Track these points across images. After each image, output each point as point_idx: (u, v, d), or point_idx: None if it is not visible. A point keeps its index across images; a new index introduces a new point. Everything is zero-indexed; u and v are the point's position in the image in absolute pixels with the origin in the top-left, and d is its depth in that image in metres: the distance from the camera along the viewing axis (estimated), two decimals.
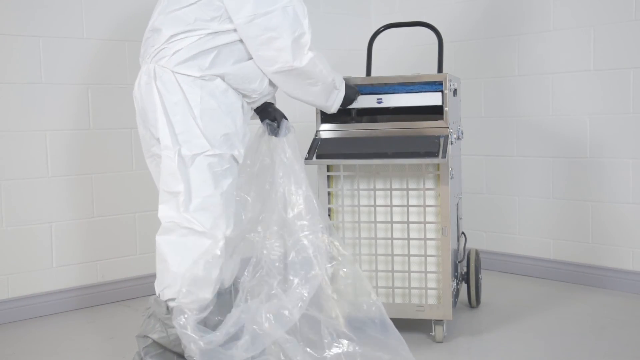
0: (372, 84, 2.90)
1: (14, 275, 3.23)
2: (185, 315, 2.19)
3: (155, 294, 2.35)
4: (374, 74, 3.20)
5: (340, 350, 2.36)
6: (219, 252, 2.26)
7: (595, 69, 3.48)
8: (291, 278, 2.35)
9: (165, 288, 2.29)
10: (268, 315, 2.29)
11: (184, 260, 2.26)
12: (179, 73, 2.26)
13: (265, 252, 2.40)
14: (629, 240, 3.43)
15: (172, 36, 2.28)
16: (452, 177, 2.75)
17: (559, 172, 3.66)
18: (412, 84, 2.78)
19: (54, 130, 3.30)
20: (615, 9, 3.40)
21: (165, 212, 2.29)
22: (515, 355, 2.64)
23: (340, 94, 2.58)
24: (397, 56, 4.27)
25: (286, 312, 2.30)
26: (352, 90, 2.72)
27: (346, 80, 2.66)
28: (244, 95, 2.37)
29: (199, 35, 2.26)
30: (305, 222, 2.40)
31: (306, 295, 2.34)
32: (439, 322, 2.75)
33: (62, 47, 3.30)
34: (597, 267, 3.54)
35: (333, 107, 2.60)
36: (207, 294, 2.27)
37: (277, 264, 2.39)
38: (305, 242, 2.39)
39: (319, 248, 2.40)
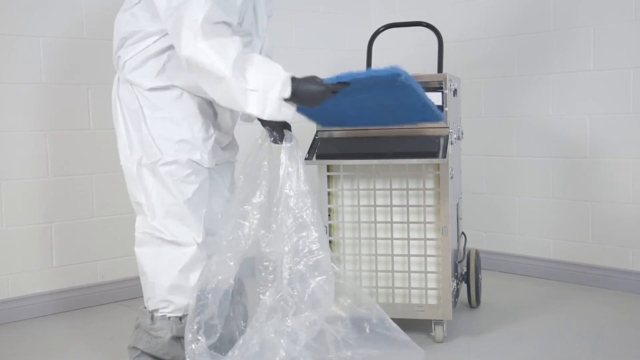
0: None
1: (14, 275, 3.23)
2: (197, 344, 2.19)
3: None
4: None
5: (350, 353, 2.35)
6: (190, 260, 2.25)
7: (595, 69, 3.48)
8: (300, 304, 2.33)
9: (148, 299, 2.31)
10: (279, 332, 2.27)
11: (158, 270, 2.26)
12: (133, 84, 2.25)
13: (285, 274, 2.35)
14: (629, 240, 3.43)
15: (122, 39, 2.27)
16: (452, 177, 2.75)
17: (559, 172, 3.66)
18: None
19: (53, 130, 3.30)
20: (615, 8, 3.40)
21: (137, 222, 2.30)
22: (515, 355, 2.64)
23: (264, 95, 2.05)
24: (397, 56, 4.27)
25: (295, 335, 2.28)
26: (308, 86, 2.09)
27: (307, 78, 2.12)
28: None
29: (146, 41, 2.23)
30: (313, 244, 2.36)
31: (315, 318, 2.32)
32: (439, 322, 2.75)
33: (62, 47, 3.30)
34: (597, 267, 3.54)
35: (265, 112, 2.07)
36: (187, 301, 2.26)
37: (290, 289, 2.36)
38: (312, 263, 2.36)
39: (326, 268, 2.37)
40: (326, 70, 4.10)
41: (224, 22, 2.10)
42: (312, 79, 2.10)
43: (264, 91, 2.05)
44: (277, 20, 4.00)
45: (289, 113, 2.10)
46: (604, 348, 2.68)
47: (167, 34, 2.19)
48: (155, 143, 2.22)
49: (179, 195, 2.23)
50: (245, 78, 2.04)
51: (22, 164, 3.22)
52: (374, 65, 3.22)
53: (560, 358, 2.60)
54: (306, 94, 2.09)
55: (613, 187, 3.46)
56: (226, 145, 2.45)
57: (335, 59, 4.22)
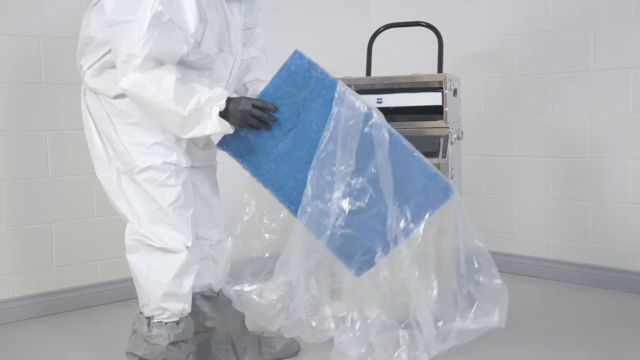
0: (372, 84, 2.91)
1: (14, 275, 3.23)
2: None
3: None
4: (374, 74, 3.20)
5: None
6: (182, 266, 2.24)
7: (595, 69, 3.48)
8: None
9: (143, 305, 2.30)
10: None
11: (151, 279, 2.25)
12: (97, 92, 2.23)
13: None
14: (629, 240, 3.43)
15: (81, 46, 2.26)
16: (452, 177, 2.74)
17: (559, 172, 3.66)
18: (412, 83, 2.79)
19: (54, 130, 3.29)
20: (615, 9, 3.40)
21: (127, 229, 2.29)
22: (516, 356, 2.64)
23: (205, 112, 2.12)
24: (397, 56, 4.27)
25: None
26: (237, 100, 2.20)
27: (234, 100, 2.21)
28: None
29: (101, 49, 2.20)
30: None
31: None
32: None
33: (62, 47, 3.30)
34: (597, 267, 3.54)
35: (207, 129, 2.13)
36: (182, 305, 2.27)
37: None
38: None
39: None
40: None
41: (163, 58, 2.09)
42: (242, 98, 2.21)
43: (204, 109, 2.12)
44: (277, 20, 4.02)
45: (227, 126, 2.16)
46: (604, 348, 2.68)
47: None
48: (127, 150, 2.20)
49: (161, 201, 2.21)
50: (186, 103, 2.10)
51: (22, 164, 3.22)
52: (374, 66, 3.22)
53: (560, 358, 2.60)
54: (236, 106, 2.17)
55: (613, 187, 3.46)
56: (204, 145, 2.41)
57: (335, 59, 4.21)
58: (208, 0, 2.14)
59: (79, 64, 2.29)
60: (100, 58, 2.21)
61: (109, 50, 2.18)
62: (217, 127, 2.13)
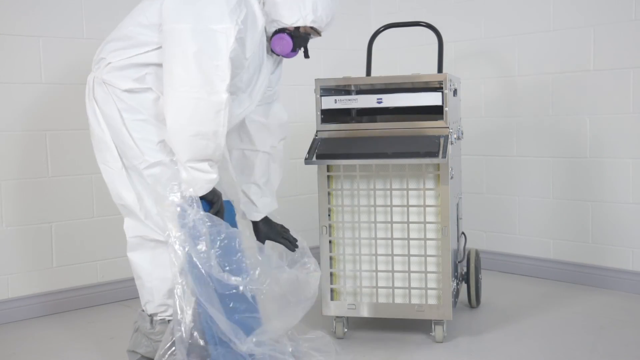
0: (372, 84, 2.91)
1: (15, 275, 3.23)
2: None
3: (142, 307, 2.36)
4: (374, 74, 3.20)
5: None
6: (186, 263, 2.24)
7: (595, 69, 3.49)
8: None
9: (146, 303, 2.30)
10: None
11: (155, 275, 2.25)
12: (109, 84, 2.23)
13: None
14: (629, 240, 3.43)
15: (113, 40, 2.26)
16: (452, 177, 2.75)
17: (559, 172, 3.66)
18: (412, 83, 2.79)
19: (54, 130, 3.30)
20: (615, 9, 3.40)
21: (126, 226, 2.29)
22: (515, 355, 2.64)
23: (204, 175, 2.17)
24: (397, 56, 4.27)
25: None
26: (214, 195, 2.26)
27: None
28: None
29: (136, 49, 2.21)
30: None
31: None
32: (439, 322, 2.75)
33: (62, 47, 3.30)
34: (597, 267, 3.54)
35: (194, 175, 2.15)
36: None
37: None
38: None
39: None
40: (326, 70, 4.11)
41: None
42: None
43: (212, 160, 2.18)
44: None
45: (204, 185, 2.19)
46: (604, 348, 2.68)
47: (159, 47, 2.17)
48: (136, 145, 2.21)
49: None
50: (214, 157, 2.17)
51: (22, 164, 3.22)
52: (374, 66, 3.22)
53: (560, 358, 2.60)
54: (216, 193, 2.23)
55: (613, 187, 3.47)
56: None
57: (335, 59, 4.22)
58: (261, 40, 2.25)
59: (100, 56, 2.29)
60: (133, 56, 2.22)
61: (146, 52, 2.21)
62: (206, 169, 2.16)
